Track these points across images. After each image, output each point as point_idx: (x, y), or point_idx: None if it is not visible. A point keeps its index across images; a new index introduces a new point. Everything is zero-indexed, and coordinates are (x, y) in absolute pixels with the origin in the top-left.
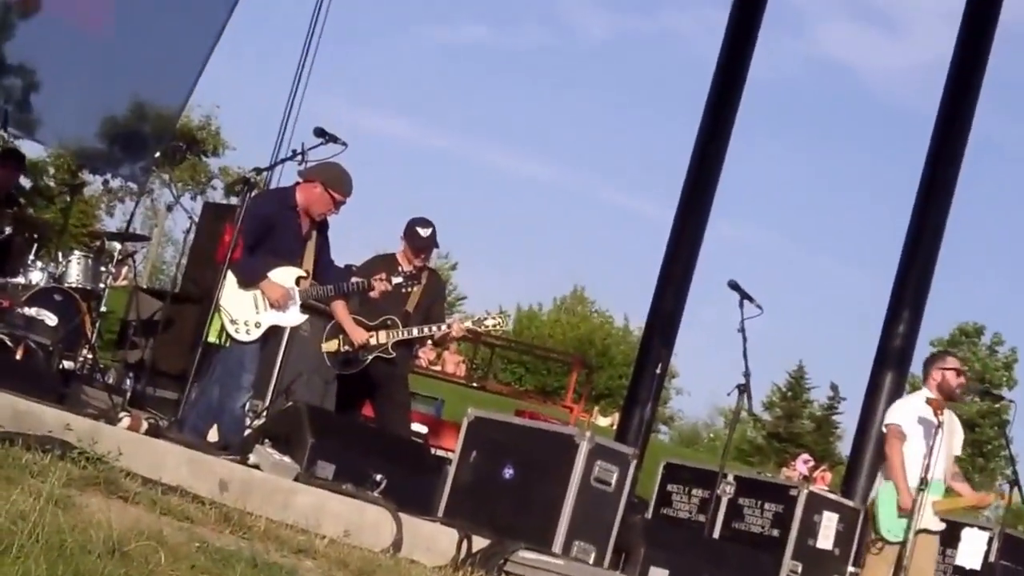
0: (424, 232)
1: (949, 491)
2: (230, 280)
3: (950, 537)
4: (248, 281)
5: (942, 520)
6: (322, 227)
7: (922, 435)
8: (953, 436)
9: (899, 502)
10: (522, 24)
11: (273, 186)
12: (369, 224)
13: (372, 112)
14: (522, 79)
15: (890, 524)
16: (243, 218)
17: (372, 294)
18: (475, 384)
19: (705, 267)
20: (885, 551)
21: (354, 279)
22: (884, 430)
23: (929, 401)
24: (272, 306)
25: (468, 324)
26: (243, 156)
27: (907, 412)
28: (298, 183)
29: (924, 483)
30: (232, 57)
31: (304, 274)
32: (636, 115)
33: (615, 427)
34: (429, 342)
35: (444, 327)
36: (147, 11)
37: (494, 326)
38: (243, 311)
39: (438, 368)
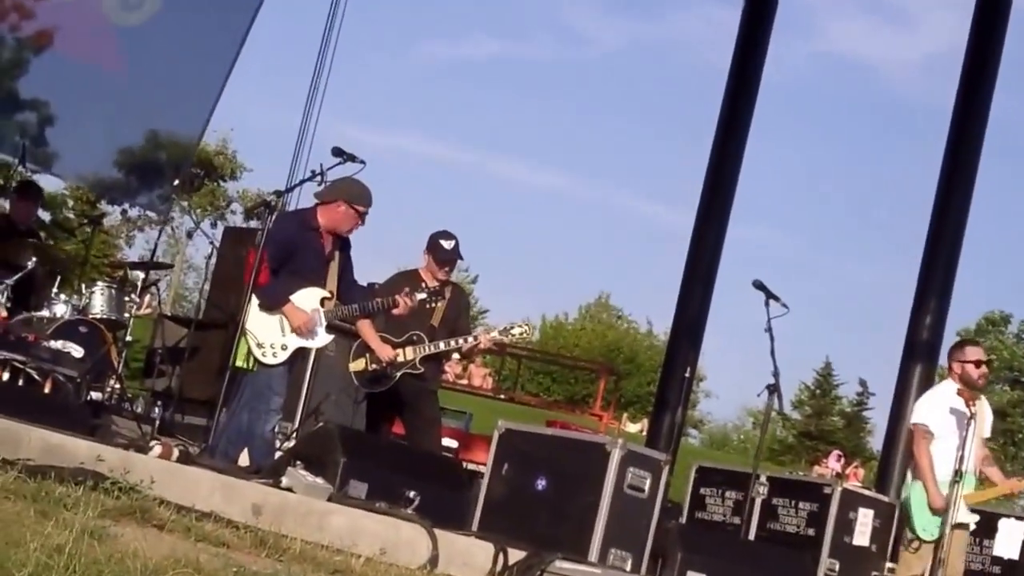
0: (447, 245)
1: (980, 480)
2: (255, 304)
3: (988, 527)
4: (272, 305)
5: (974, 511)
6: (344, 246)
7: (954, 426)
8: (983, 421)
9: (930, 502)
10: (534, 36)
11: (293, 207)
12: (390, 241)
13: (387, 129)
14: (537, 90)
15: (924, 523)
16: (266, 242)
17: (396, 311)
18: (503, 396)
19: (728, 269)
20: (922, 549)
21: (378, 297)
22: (911, 428)
23: (960, 392)
24: (296, 332)
25: (495, 334)
26: (260, 177)
27: (935, 407)
28: (318, 204)
29: (960, 475)
30: (242, 76)
31: (328, 295)
32: (652, 121)
33: (645, 433)
34: (455, 356)
35: (471, 339)
36: (159, 44)
37: (521, 334)
38: (269, 334)
39: (465, 382)
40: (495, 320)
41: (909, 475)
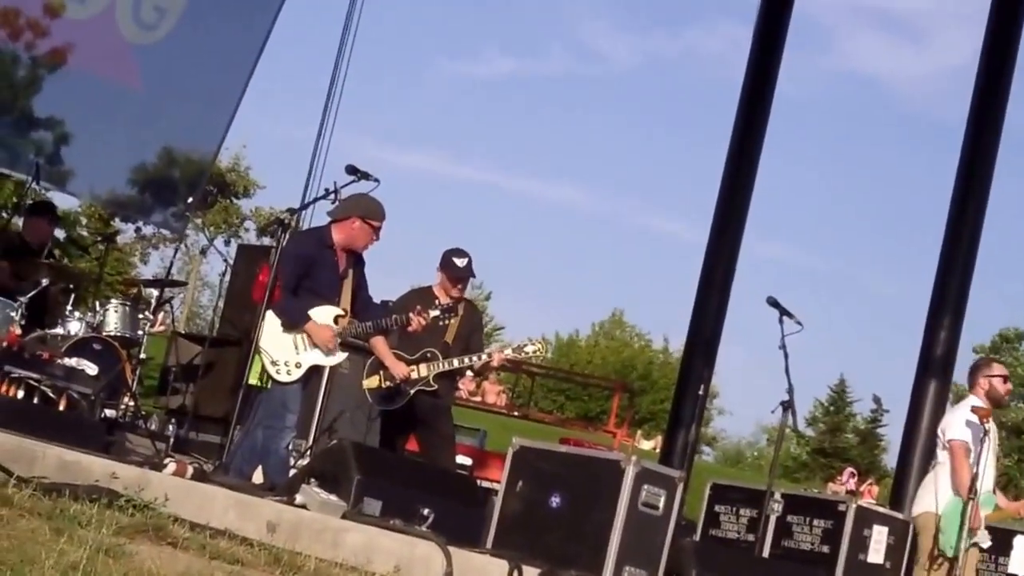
0: (460, 262)
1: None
2: (269, 321)
3: (1003, 545)
4: (292, 323)
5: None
6: (359, 264)
7: (977, 443)
8: (994, 443)
9: (970, 519)
10: (548, 52)
11: (307, 225)
12: (404, 258)
13: (401, 147)
14: (551, 107)
15: (953, 540)
16: (281, 259)
17: (410, 328)
18: (516, 413)
19: (742, 286)
20: (943, 567)
21: (391, 315)
22: (948, 446)
23: (975, 409)
24: (319, 348)
25: (508, 352)
26: (273, 194)
27: (966, 423)
28: (332, 222)
29: (974, 493)
30: (254, 93)
31: (343, 312)
32: (666, 137)
33: (659, 450)
34: (469, 372)
35: (485, 356)
36: (174, 63)
37: (535, 352)
38: (283, 352)
39: (479, 398)
40: (510, 337)
41: (945, 489)
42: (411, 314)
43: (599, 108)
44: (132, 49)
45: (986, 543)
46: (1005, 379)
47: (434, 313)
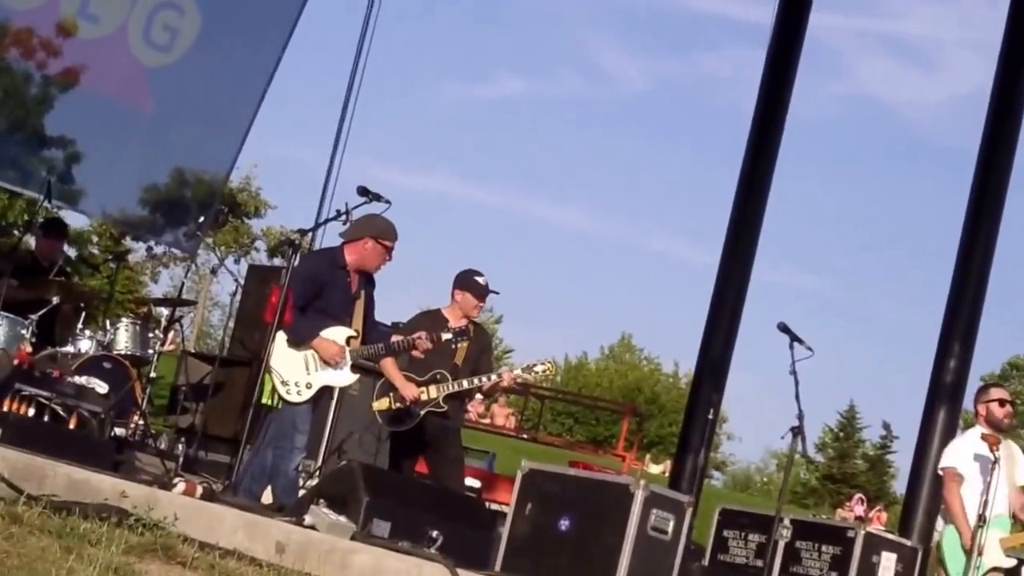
0: (482, 280)
1: (1016, 523)
2: (280, 341)
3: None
4: (300, 341)
5: (1009, 555)
6: (369, 285)
7: (978, 472)
8: (1016, 467)
9: (963, 545)
10: (559, 75)
11: (318, 246)
12: (412, 280)
13: (410, 168)
14: (561, 129)
15: (958, 568)
16: (293, 279)
17: (415, 353)
18: (525, 436)
19: (752, 310)
20: None
21: (396, 338)
22: (940, 473)
23: (984, 437)
24: (326, 363)
25: (519, 371)
26: (284, 215)
27: (962, 452)
28: (344, 243)
29: (983, 520)
30: (265, 113)
31: (354, 334)
32: (677, 161)
33: (667, 474)
34: (478, 394)
35: (495, 377)
36: (188, 84)
37: (544, 371)
38: (294, 372)
39: (488, 421)
40: (519, 360)
41: (941, 520)
42: (417, 340)
43: (609, 130)
44: (145, 71)
45: (1007, 563)
46: (1002, 403)
47: (446, 336)
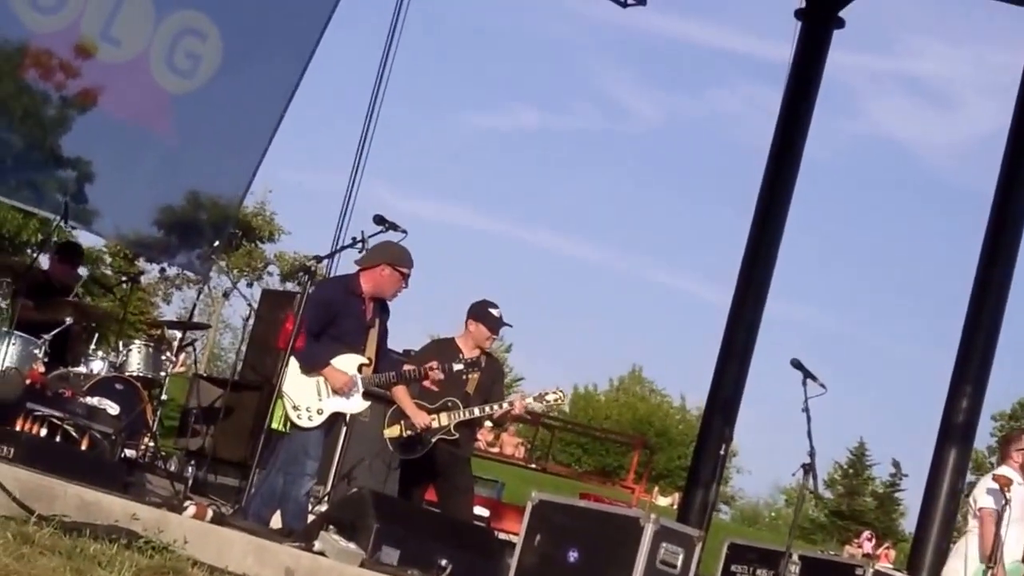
0: (496, 312)
1: None
2: (293, 367)
3: None
4: (312, 367)
5: None
6: (383, 313)
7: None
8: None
9: None
10: (574, 108)
11: (333, 273)
12: (423, 307)
13: (423, 198)
14: (575, 162)
15: None
16: (308, 305)
17: (426, 383)
18: (534, 466)
19: (764, 345)
20: None
21: (408, 367)
22: (978, 514)
23: (996, 478)
24: (335, 393)
25: (529, 400)
26: (298, 241)
27: (987, 492)
28: (360, 270)
29: (993, 560)
30: (281, 138)
31: (367, 361)
32: (690, 195)
33: (675, 507)
34: (488, 422)
35: (506, 405)
36: (208, 110)
37: (556, 400)
38: (305, 397)
39: (497, 450)
40: (529, 388)
41: (974, 557)
42: (428, 369)
43: (623, 163)
44: (168, 97)
45: None
46: None
47: (458, 367)
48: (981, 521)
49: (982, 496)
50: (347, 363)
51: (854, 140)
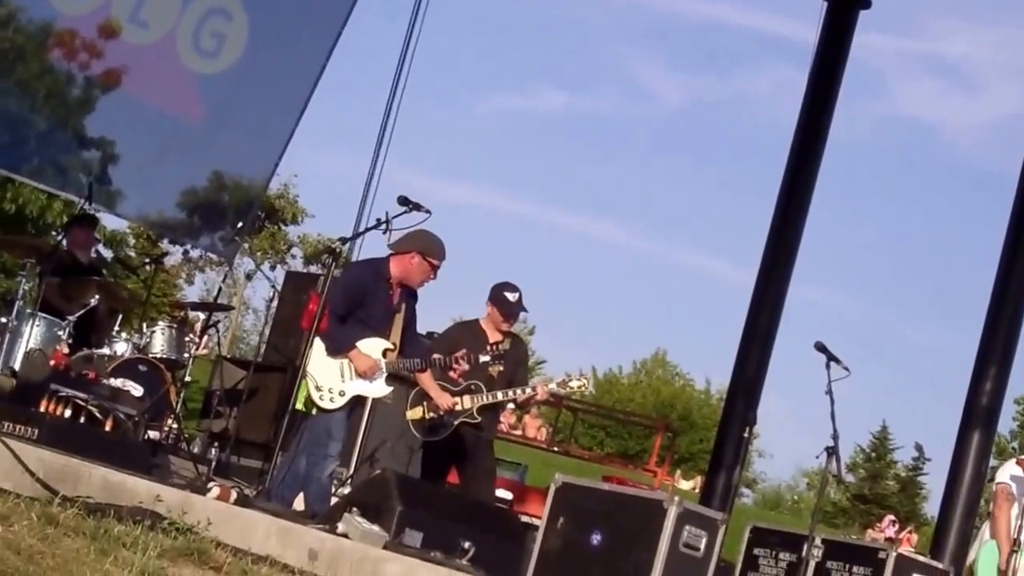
0: (512, 297)
1: None
2: (317, 348)
3: None
4: (337, 349)
5: None
6: (411, 299)
7: (1017, 495)
8: None
9: (999, 565)
10: (599, 90)
11: (357, 255)
12: (448, 289)
13: (449, 179)
14: (600, 143)
15: None
16: (336, 287)
17: (453, 375)
18: (556, 449)
19: (787, 329)
20: None
21: (436, 356)
22: (994, 488)
23: (1020, 461)
24: (359, 376)
25: (552, 386)
26: (321, 223)
27: (1016, 473)
28: (391, 255)
29: (1017, 545)
30: (307, 121)
31: (391, 346)
32: (715, 177)
33: (697, 490)
34: (511, 405)
35: (529, 390)
36: (234, 91)
37: (579, 387)
38: (329, 379)
39: (519, 433)
40: (552, 371)
41: (986, 534)
42: (455, 359)
43: (648, 145)
44: (195, 78)
45: None
46: None
47: (484, 359)
48: (995, 497)
49: (999, 473)
50: (372, 347)
51: (879, 121)
